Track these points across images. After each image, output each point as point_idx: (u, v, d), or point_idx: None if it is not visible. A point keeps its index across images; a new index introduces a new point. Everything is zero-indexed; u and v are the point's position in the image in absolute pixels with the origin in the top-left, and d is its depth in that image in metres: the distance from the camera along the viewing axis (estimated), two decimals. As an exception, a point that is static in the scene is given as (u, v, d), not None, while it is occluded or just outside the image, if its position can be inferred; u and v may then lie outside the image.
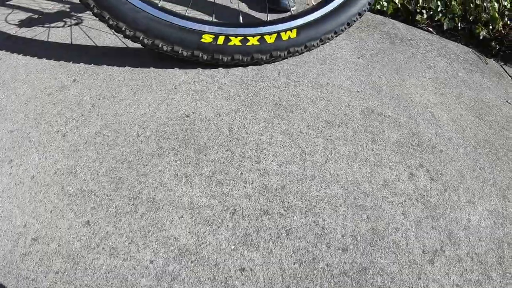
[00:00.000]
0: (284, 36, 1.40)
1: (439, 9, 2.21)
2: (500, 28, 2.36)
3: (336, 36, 1.50)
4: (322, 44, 1.49)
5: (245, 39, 1.38)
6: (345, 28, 1.49)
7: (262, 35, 1.39)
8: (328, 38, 1.47)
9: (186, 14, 1.42)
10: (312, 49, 1.49)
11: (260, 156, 1.15)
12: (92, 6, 1.35)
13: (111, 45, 1.51)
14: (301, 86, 1.41)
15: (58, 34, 1.65)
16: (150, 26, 1.34)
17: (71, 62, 1.47)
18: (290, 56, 1.46)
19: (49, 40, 1.62)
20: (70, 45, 1.56)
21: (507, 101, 1.77)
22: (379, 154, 1.22)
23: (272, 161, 1.14)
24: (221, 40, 1.36)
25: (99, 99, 1.31)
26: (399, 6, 2.16)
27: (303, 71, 1.48)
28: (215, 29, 1.37)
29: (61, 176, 1.07)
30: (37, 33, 1.68)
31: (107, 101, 1.30)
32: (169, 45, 1.35)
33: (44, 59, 1.50)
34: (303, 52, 1.48)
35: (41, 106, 1.29)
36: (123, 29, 1.34)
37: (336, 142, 1.22)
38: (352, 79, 1.49)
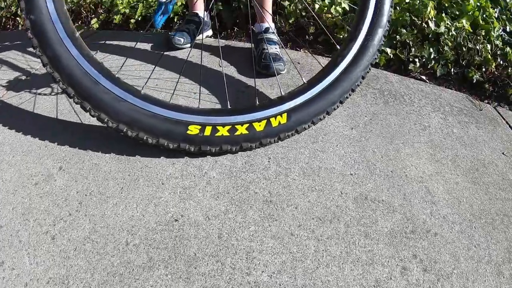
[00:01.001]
0: (274, 122, 1.35)
1: (431, 57, 2.16)
2: (493, 70, 2.31)
3: (328, 115, 1.46)
4: (314, 125, 1.44)
5: (233, 128, 1.33)
6: (337, 106, 1.44)
7: (251, 122, 1.34)
8: (320, 119, 1.42)
9: (173, 95, 1.38)
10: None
11: (251, 266, 1.10)
12: (72, 95, 1.30)
13: (96, 123, 1.46)
14: (292, 174, 1.36)
15: (45, 104, 1.61)
16: (133, 118, 1.30)
17: (57, 143, 1.42)
18: (281, 141, 1.42)
19: (35, 111, 1.57)
20: (56, 121, 1.51)
21: (503, 153, 1.73)
22: (371, 250, 1.18)
23: (263, 271, 1.10)
24: (208, 130, 1.31)
25: (86, 195, 1.26)
26: (391, 56, 2.11)
27: (294, 154, 1.43)
28: (201, 118, 1.32)
29: (54, 286, 1.03)
30: (24, 100, 1.64)
31: (94, 198, 1.25)
32: (154, 138, 1.31)
33: (30, 136, 1.46)
34: (294, 135, 1.43)
35: (28, 198, 1.25)
36: (106, 120, 1.30)
37: (328, 242, 1.18)
38: (345, 159, 1.44)
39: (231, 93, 1.68)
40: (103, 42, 2.12)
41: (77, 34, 1.34)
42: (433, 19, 2.17)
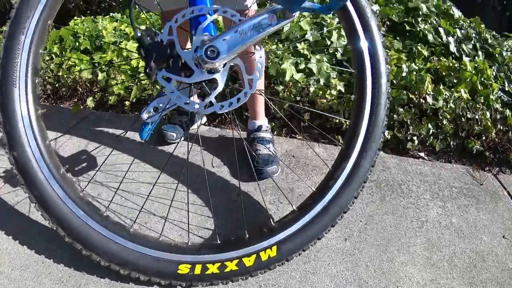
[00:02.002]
0: (264, 256, 1.31)
1: (430, 133, 2.10)
2: (493, 137, 2.25)
3: (320, 240, 1.41)
4: (304, 252, 1.39)
5: (223, 266, 1.29)
6: (329, 230, 1.39)
7: (240, 258, 1.30)
8: (311, 245, 1.38)
9: (163, 231, 1.34)
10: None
11: None
12: (63, 235, 1.28)
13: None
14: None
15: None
16: (123, 259, 1.27)
17: (53, 260, 1.38)
18: (270, 270, 1.38)
19: (30, 215, 1.54)
20: (51, 231, 1.48)
21: (503, 236, 1.68)
22: None
23: None
24: (198, 269, 1.28)
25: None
26: (389, 138, 2.06)
27: (285, 280, 1.37)
28: (191, 257, 1.29)
29: None
30: (20, 198, 1.61)
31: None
32: (146, 276, 1.28)
33: (26, 247, 1.42)
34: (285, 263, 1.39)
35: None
36: (98, 260, 1.27)
37: None
38: (337, 280, 1.39)
39: (223, 202, 1.63)
40: (99, 128, 2.09)
41: (62, 170, 1.31)
42: (431, 93, 2.11)
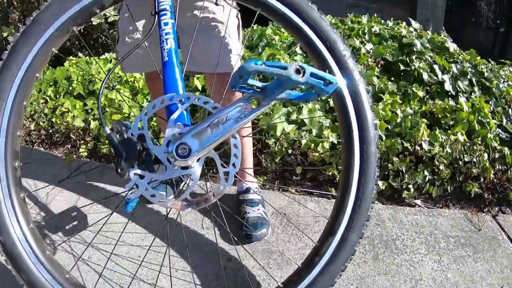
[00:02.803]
0: None
1: (426, 180, 2.02)
2: (492, 178, 2.18)
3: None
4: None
5: None
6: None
7: None
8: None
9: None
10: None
11: None
12: None
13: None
14: None
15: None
16: None
17: None
18: None
19: None
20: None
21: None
22: None
23: None
24: None
25: None
26: (384, 188, 1.99)
27: None
28: None
29: None
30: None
31: None
32: None
33: None
34: None
35: None
36: None
37: None
38: None
39: (212, 270, 1.57)
40: (89, 182, 2.06)
41: (48, 252, 1.26)
42: (427, 139, 2.04)
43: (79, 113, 2.36)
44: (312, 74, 0.86)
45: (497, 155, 2.24)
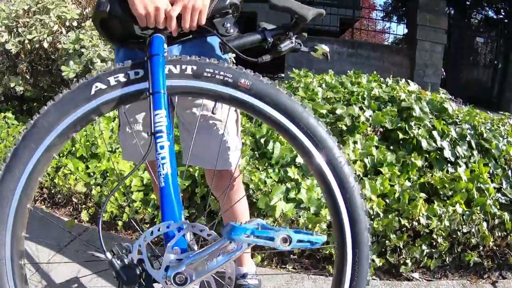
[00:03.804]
0: None
1: (424, 254, 2.02)
2: (491, 245, 2.17)
3: None
4: None
5: None
6: None
7: None
8: None
9: None
10: None
11: None
12: None
13: None
14: None
15: None
16: None
17: None
18: None
19: None
20: None
21: None
22: None
23: None
24: None
25: None
26: (381, 264, 1.99)
27: None
28: None
29: None
30: None
31: None
32: None
33: None
34: None
35: None
36: None
37: None
38: None
39: None
40: (91, 252, 2.06)
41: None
42: (424, 213, 2.05)
43: (82, 175, 2.38)
44: (299, 240, 0.88)
45: (496, 221, 2.24)
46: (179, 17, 1.14)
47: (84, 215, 2.30)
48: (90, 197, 2.31)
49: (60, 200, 2.47)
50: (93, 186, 2.28)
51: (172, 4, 1.14)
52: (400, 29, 16.75)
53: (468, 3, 13.93)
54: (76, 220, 2.33)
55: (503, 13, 13.35)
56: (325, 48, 1.29)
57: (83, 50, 2.79)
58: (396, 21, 16.49)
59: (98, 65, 2.69)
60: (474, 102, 7.59)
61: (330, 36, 8.75)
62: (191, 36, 1.25)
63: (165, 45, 1.17)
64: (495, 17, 14.07)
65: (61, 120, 1.19)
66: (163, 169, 1.08)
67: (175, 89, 1.15)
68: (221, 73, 1.14)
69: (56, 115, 1.19)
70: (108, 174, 2.33)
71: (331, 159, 1.16)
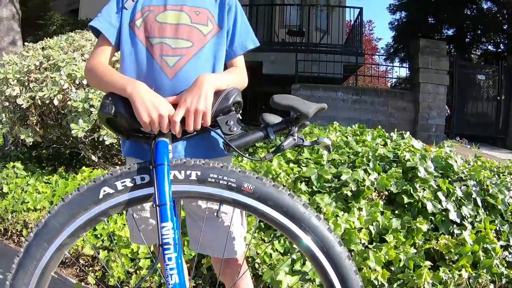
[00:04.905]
0: None
1: (431, 323, 2.00)
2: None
3: None
4: None
5: None
6: None
7: None
8: None
9: None
10: None
11: None
12: None
13: None
14: None
15: None
16: None
17: None
18: None
19: None
20: None
21: None
22: None
23: None
24: None
25: None
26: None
27: None
28: None
29: None
30: None
31: None
32: None
33: None
34: None
35: None
36: None
37: None
38: None
39: None
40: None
41: None
42: (430, 281, 2.03)
43: (89, 237, 2.40)
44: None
45: (504, 281, 2.22)
46: (183, 119, 1.17)
47: (91, 278, 2.30)
48: (97, 260, 2.32)
49: (67, 261, 2.48)
50: (100, 250, 2.29)
51: (175, 107, 1.17)
52: (403, 71, 16.85)
53: (467, 40, 14.17)
54: (82, 283, 2.33)
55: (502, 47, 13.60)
56: (327, 141, 1.31)
57: (92, 109, 2.84)
58: (398, 64, 16.70)
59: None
60: (479, 140, 7.60)
61: (333, 84, 8.83)
62: (195, 132, 1.28)
63: (170, 147, 1.20)
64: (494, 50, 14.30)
65: (71, 222, 1.21)
66: (171, 279, 1.09)
67: (180, 194, 1.17)
68: (225, 178, 1.16)
69: (67, 216, 1.21)
70: (115, 237, 2.34)
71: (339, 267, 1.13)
